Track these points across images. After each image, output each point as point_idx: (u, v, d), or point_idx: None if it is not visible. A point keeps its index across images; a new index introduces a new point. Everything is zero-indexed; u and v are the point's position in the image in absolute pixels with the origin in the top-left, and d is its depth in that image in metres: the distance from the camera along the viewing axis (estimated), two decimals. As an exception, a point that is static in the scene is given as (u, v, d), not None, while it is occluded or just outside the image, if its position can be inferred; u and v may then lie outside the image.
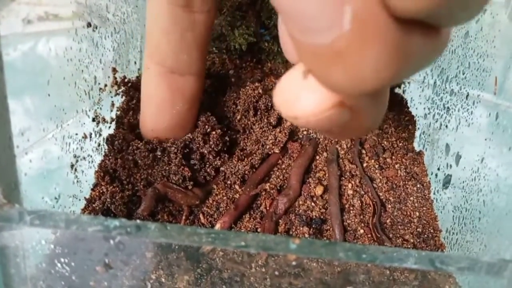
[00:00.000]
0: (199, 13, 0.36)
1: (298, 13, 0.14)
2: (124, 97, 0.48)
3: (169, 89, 0.39)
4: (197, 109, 0.43)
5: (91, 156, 0.43)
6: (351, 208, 0.43)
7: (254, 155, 0.44)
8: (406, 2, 0.13)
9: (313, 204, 0.42)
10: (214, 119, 0.43)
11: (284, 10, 0.14)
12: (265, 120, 0.46)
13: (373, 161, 0.47)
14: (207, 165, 0.42)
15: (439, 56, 0.18)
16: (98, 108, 0.46)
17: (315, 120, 0.18)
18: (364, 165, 0.47)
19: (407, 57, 0.15)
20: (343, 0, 0.13)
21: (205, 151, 0.42)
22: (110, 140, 0.42)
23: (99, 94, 0.47)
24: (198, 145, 0.42)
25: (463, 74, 0.47)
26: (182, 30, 0.36)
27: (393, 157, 0.49)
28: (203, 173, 0.42)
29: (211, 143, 0.42)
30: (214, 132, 0.42)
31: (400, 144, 0.51)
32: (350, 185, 0.44)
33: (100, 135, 0.45)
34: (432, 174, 0.48)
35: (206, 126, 0.42)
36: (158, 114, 0.41)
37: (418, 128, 0.54)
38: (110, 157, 0.41)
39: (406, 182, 0.46)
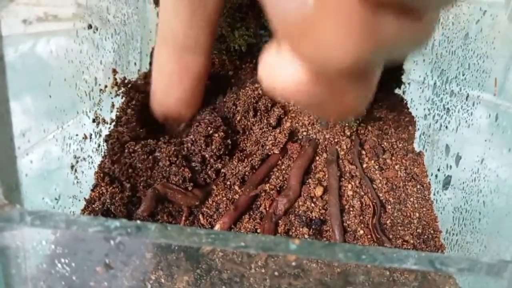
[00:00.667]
0: None
1: None
2: (124, 98, 0.48)
3: (177, 66, 0.41)
4: (203, 87, 0.44)
5: (91, 157, 0.44)
6: (351, 209, 0.43)
7: (254, 156, 0.44)
8: None
9: (312, 205, 0.42)
10: (220, 120, 0.43)
11: None
12: (265, 121, 0.46)
13: (373, 162, 0.47)
14: (208, 167, 0.42)
15: (422, 43, 0.18)
16: (98, 109, 0.46)
17: (291, 92, 0.18)
18: (364, 166, 0.47)
19: (377, 38, 0.15)
20: None
21: (207, 155, 0.42)
22: (107, 140, 0.42)
23: (100, 95, 0.47)
24: (200, 148, 0.42)
25: (463, 75, 0.47)
26: (192, 9, 0.37)
27: (393, 158, 0.49)
28: (204, 175, 0.42)
29: (213, 147, 0.42)
30: (216, 135, 0.42)
31: (400, 145, 0.51)
32: (350, 186, 0.44)
33: (100, 136, 0.45)
34: (432, 175, 0.48)
35: (209, 128, 0.42)
36: (166, 90, 0.42)
37: (418, 129, 0.54)
38: (108, 160, 0.41)
39: (406, 183, 0.46)
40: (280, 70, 0.18)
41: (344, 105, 0.20)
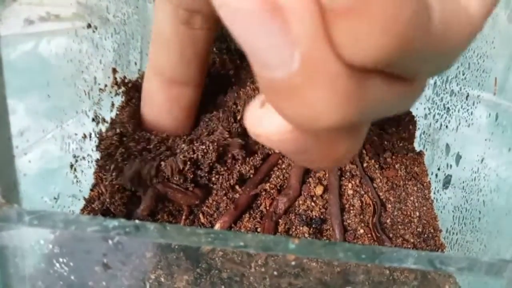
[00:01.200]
0: (200, 30, 0.37)
1: (253, 46, 0.14)
2: (124, 98, 0.48)
3: (167, 98, 0.41)
4: (194, 117, 0.44)
5: (90, 156, 0.43)
6: (351, 208, 0.43)
7: (255, 155, 0.44)
8: (358, 56, 0.13)
9: (313, 204, 0.42)
10: (237, 125, 0.42)
11: (240, 40, 0.15)
12: (265, 120, 0.45)
13: (373, 161, 0.47)
14: (212, 173, 0.42)
15: (412, 104, 0.18)
16: (98, 108, 0.46)
17: (276, 141, 0.18)
18: (364, 165, 0.47)
19: (363, 102, 0.15)
20: (293, 41, 0.13)
21: (215, 166, 0.41)
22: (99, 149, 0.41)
23: (99, 95, 0.47)
24: (210, 161, 0.40)
25: (463, 74, 0.47)
26: (182, 45, 0.37)
27: (394, 157, 0.49)
28: (205, 180, 0.42)
29: (227, 164, 0.41)
30: (229, 143, 0.41)
31: (401, 144, 0.51)
32: (350, 185, 0.44)
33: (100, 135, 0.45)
34: (432, 174, 0.48)
35: (225, 132, 0.41)
36: (156, 120, 0.42)
37: (419, 128, 0.53)
38: (99, 175, 0.40)
39: (406, 182, 0.46)
40: (264, 120, 0.18)
41: (332, 155, 0.19)
